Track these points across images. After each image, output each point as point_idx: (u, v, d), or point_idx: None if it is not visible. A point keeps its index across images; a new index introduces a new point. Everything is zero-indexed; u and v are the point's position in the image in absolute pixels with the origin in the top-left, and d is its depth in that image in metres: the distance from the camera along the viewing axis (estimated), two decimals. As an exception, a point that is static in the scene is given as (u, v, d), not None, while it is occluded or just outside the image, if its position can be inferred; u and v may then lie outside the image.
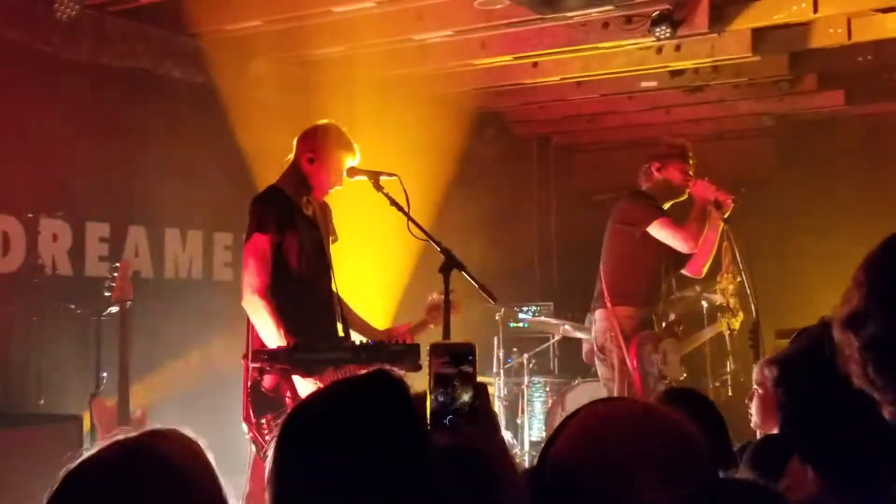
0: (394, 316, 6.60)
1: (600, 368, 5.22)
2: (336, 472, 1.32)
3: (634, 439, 1.25)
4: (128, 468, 1.37)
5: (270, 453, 1.39)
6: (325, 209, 4.31)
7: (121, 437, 1.42)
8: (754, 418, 3.25)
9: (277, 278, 3.97)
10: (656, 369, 4.98)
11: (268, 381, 3.81)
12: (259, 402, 3.80)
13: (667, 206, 5.21)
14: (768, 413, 3.13)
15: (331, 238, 4.31)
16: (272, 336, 3.82)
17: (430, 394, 1.49)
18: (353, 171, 4.03)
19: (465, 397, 1.49)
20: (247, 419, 3.81)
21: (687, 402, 2.63)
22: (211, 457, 1.45)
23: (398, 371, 1.44)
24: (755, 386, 3.21)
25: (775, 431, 3.09)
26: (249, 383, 3.81)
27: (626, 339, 5.00)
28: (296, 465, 1.35)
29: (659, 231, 5.05)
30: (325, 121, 4.25)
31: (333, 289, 4.19)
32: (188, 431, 1.48)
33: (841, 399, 1.58)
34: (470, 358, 1.51)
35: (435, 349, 1.52)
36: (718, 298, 5.35)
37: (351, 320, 4.32)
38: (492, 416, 1.57)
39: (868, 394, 1.26)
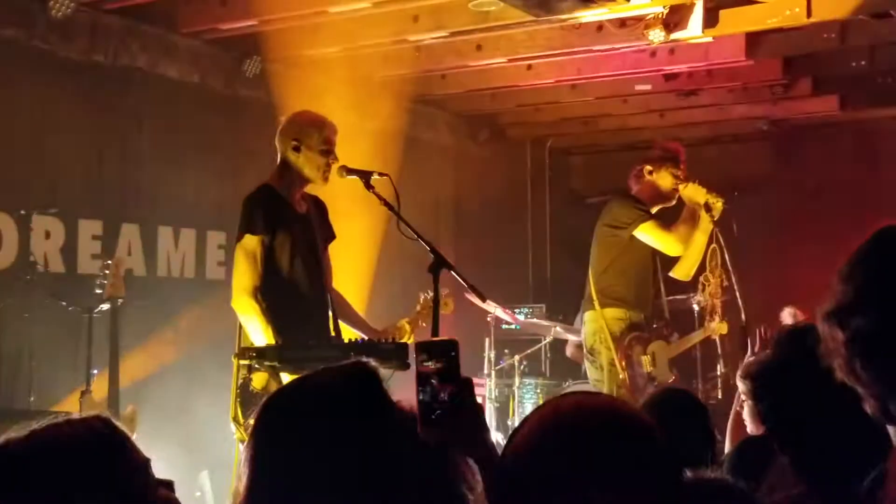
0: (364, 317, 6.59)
1: (589, 370, 5.24)
2: (307, 461, 1.33)
3: (574, 428, 1.26)
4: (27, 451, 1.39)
5: (246, 441, 1.40)
6: (320, 207, 4.30)
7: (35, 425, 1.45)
8: (749, 426, 3.28)
9: (268, 277, 3.99)
10: (645, 371, 5.00)
11: (257, 380, 3.82)
12: (247, 401, 3.80)
13: (655, 209, 5.22)
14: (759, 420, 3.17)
15: (327, 237, 4.31)
16: (261, 337, 3.83)
17: (417, 392, 1.50)
18: (344, 171, 4.02)
19: (444, 394, 1.50)
20: (235, 419, 3.82)
21: (675, 402, 2.65)
22: (148, 453, 1.47)
23: (374, 364, 1.46)
24: (742, 396, 3.25)
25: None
26: (238, 383, 3.82)
27: (614, 340, 5.01)
28: (268, 454, 1.36)
29: (646, 234, 5.06)
30: (295, 111, 4.26)
31: (327, 287, 4.19)
32: (109, 416, 1.50)
33: (820, 401, 1.60)
34: (452, 354, 1.52)
35: (417, 347, 1.53)
36: (704, 301, 5.37)
37: (351, 318, 4.31)
38: (476, 411, 1.58)
39: (847, 390, 1.27)
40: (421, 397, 1.48)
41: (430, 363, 1.50)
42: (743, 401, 3.27)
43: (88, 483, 1.39)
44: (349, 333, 4.15)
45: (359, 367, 1.44)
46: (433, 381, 1.50)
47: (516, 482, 1.29)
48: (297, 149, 4.06)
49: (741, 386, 3.23)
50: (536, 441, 1.31)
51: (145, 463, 1.48)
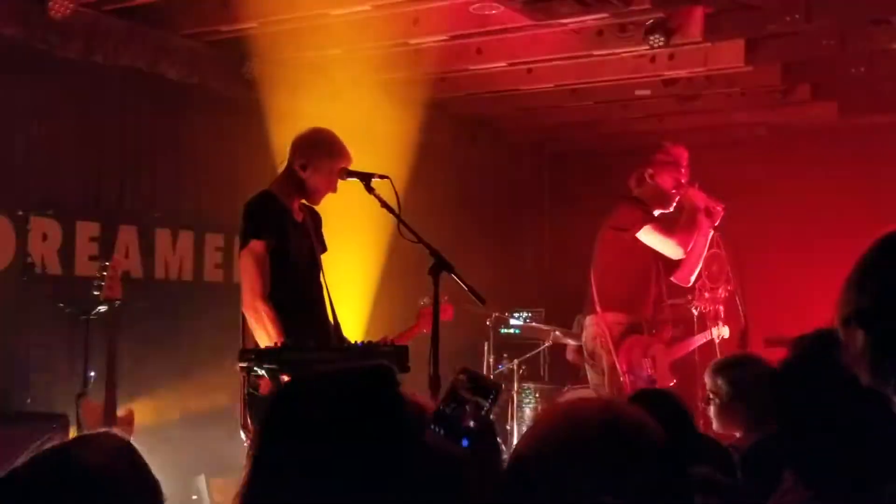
0: (366, 322, 6.60)
1: (590, 374, 5.23)
2: (317, 453, 1.32)
3: (578, 431, 1.27)
4: (43, 482, 1.36)
5: (254, 428, 1.39)
6: (315, 218, 4.32)
7: (47, 446, 1.42)
8: (715, 424, 3.32)
9: (272, 283, 3.98)
10: (646, 375, 4.99)
11: (265, 386, 3.79)
12: (257, 408, 3.78)
13: (657, 212, 5.23)
14: (727, 420, 3.24)
15: (319, 248, 4.31)
16: (272, 342, 3.81)
17: (442, 402, 1.48)
18: (344, 173, 4.03)
19: (467, 425, 1.48)
20: (244, 426, 3.80)
21: (656, 402, 2.65)
22: (145, 456, 1.45)
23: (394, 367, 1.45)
24: (710, 394, 3.28)
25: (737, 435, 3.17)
26: (246, 390, 3.79)
27: (615, 344, 5.01)
28: (277, 442, 1.35)
29: (648, 236, 5.07)
30: (319, 126, 4.26)
31: (324, 294, 4.19)
32: (118, 432, 1.48)
33: (835, 411, 1.58)
34: (492, 396, 1.50)
35: (466, 372, 1.50)
36: (703, 306, 5.36)
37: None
38: (493, 457, 1.55)
39: (863, 401, 1.26)
40: (443, 409, 1.46)
41: (468, 391, 1.48)
42: (710, 399, 3.31)
43: None
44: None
45: (377, 368, 1.44)
46: (463, 407, 1.48)
47: (523, 489, 1.29)
48: (304, 167, 4.09)
49: (709, 382, 3.26)
50: (542, 448, 1.31)
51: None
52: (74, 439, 1.46)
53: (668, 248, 5.08)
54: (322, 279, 4.20)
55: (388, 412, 1.37)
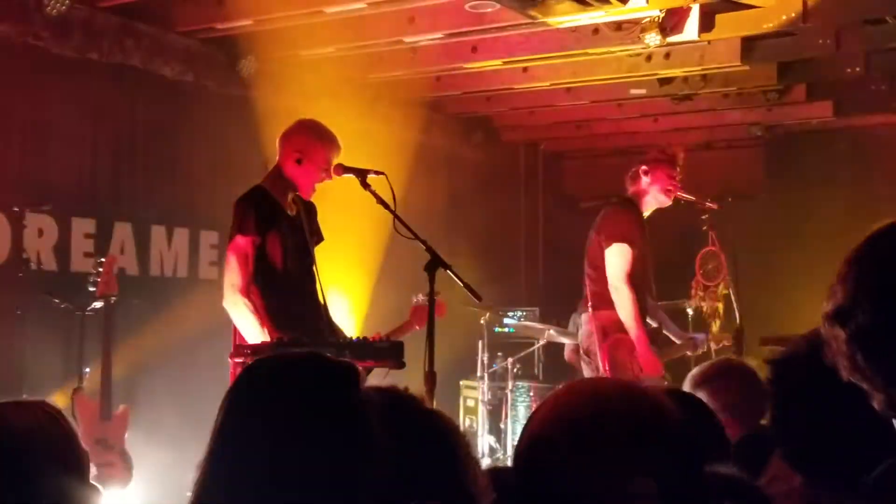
0: (364, 318, 6.60)
1: (586, 372, 5.23)
2: (274, 441, 1.33)
3: (602, 409, 1.27)
4: None
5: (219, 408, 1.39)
6: (310, 209, 4.32)
7: None
8: None
9: (262, 278, 3.99)
10: (630, 375, 4.98)
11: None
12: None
13: (649, 211, 5.23)
14: None
15: (315, 239, 4.32)
16: (254, 334, 3.83)
17: None
18: (340, 169, 4.03)
19: None
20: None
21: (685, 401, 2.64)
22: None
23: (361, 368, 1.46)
24: None
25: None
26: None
27: (599, 342, 5.01)
28: (239, 422, 1.36)
29: (611, 255, 5.00)
30: (304, 118, 4.26)
31: (318, 288, 4.19)
32: (52, 401, 1.56)
33: (833, 405, 1.59)
34: None
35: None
36: (695, 305, 5.36)
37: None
38: None
39: (857, 395, 1.27)
40: None
41: None
42: None
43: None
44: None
45: (339, 363, 1.45)
46: None
47: (543, 475, 1.28)
48: (299, 161, 4.09)
49: None
50: (563, 429, 1.30)
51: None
52: (8, 402, 1.53)
53: (617, 293, 4.96)
54: (315, 271, 4.20)
55: (339, 407, 1.37)
